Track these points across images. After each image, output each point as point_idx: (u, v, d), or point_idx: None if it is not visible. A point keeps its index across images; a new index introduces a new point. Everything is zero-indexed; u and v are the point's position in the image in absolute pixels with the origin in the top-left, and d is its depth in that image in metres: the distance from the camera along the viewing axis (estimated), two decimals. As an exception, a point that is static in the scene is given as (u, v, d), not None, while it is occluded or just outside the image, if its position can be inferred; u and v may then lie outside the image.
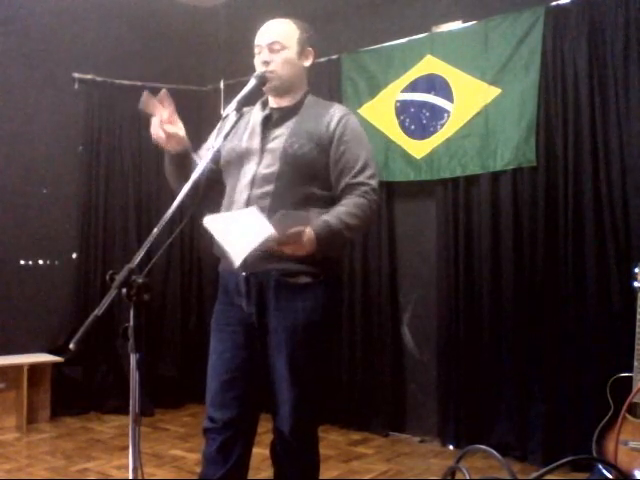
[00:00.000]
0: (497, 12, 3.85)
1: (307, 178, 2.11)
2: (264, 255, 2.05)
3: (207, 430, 2.17)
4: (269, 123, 2.21)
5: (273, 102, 2.25)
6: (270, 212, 2.05)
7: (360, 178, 2.12)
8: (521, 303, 3.71)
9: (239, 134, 2.23)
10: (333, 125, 2.15)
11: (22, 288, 4.59)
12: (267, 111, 2.24)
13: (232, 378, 2.13)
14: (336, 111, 2.19)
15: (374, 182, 2.14)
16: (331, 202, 2.14)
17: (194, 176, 1.95)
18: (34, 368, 4.35)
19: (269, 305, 2.11)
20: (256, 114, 2.25)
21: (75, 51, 4.82)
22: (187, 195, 1.93)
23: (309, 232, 1.96)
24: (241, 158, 2.19)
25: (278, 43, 2.16)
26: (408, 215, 4.30)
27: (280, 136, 2.16)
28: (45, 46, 4.70)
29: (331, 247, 2.06)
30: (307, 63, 2.24)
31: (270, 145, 2.15)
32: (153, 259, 1.96)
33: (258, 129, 2.20)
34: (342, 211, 2.07)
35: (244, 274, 2.12)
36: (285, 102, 2.23)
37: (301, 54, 2.21)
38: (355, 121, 2.22)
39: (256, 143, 2.18)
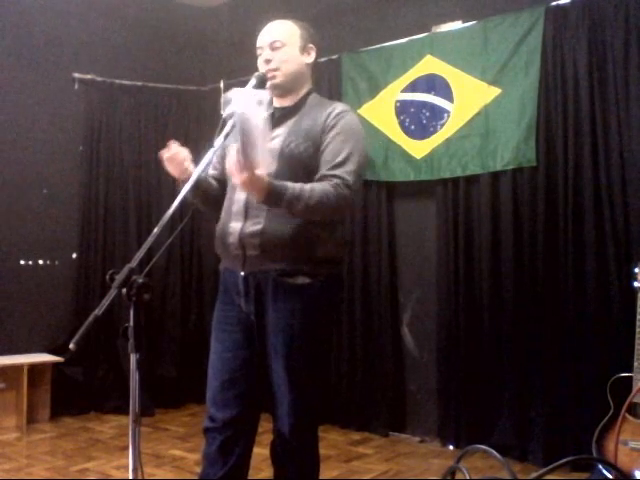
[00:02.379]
0: (497, 12, 3.84)
1: (304, 177, 2.09)
2: (263, 255, 2.05)
3: (207, 429, 2.17)
4: (270, 123, 2.21)
5: (276, 102, 2.25)
6: (268, 212, 2.06)
7: (336, 171, 2.07)
8: (521, 303, 3.71)
9: None
10: (328, 121, 2.13)
11: (22, 288, 4.59)
12: (270, 110, 2.23)
13: (233, 377, 2.14)
14: (335, 109, 2.17)
15: (351, 178, 2.07)
16: None
17: (194, 176, 1.95)
18: (34, 368, 4.35)
19: (267, 305, 2.11)
20: None
21: (75, 51, 4.81)
22: (187, 195, 1.93)
23: (264, 175, 1.90)
24: None
25: (279, 41, 2.17)
26: (408, 215, 4.30)
27: (279, 136, 2.15)
28: (45, 46, 4.69)
29: (276, 205, 1.99)
30: (309, 59, 2.23)
31: (269, 145, 2.15)
32: (153, 259, 1.97)
33: None
34: (305, 186, 2.02)
35: (243, 274, 2.13)
36: (288, 101, 2.22)
37: (303, 50, 2.21)
38: (352, 118, 2.19)
39: None
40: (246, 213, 2.11)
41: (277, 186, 1.96)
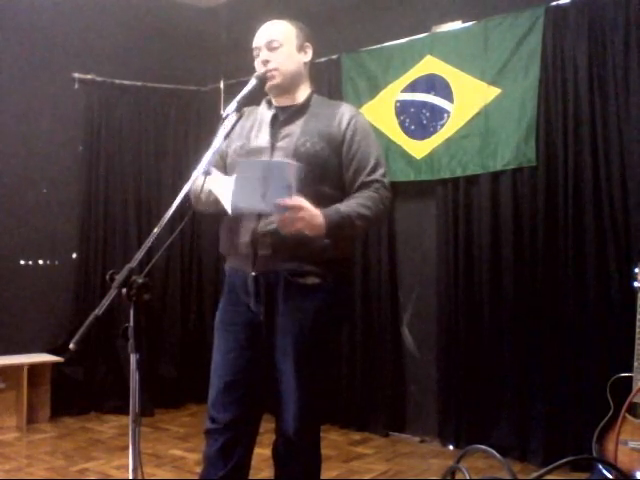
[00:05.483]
0: (497, 12, 3.84)
1: (318, 177, 2.10)
2: (274, 255, 2.05)
3: (208, 431, 2.16)
4: (277, 121, 2.20)
5: (275, 102, 2.24)
6: None
7: (373, 176, 2.14)
8: (521, 303, 3.71)
9: (246, 133, 2.22)
10: (344, 125, 2.16)
11: (22, 288, 4.59)
12: (273, 110, 2.23)
13: (235, 379, 2.13)
14: (345, 111, 2.20)
15: (386, 180, 2.18)
16: (341, 201, 2.12)
17: (194, 176, 1.95)
18: (34, 368, 4.35)
19: (277, 305, 2.10)
20: (263, 112, 2.25)
21: (75, 51, 4.81)
22: (187, 195, 1.93)
23: (318, 213, 1.96)
24: (250, 156, 2.17)
25: (276, 41, 2.17)
26: (408, 215, 4.30)
27: (291, 134, 2.15)
28: (45, 46, 4.69)
29: (340, 234, 2.05)
30: (306, 58, 2.24)
31: (280, 143, 2.15)
32: (153, 259, 1.97)
33: (266, 127, 2.19)
34: (353, 202, 2.09)
35: (253, 274, 2.12)
36: (288, 101, 2.22)
37: (300, 49, 2.21)
38: (364, 120, 2.24)
39: (265, 141, 2.17)
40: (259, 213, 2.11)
41: (329, 210, 2.00)
